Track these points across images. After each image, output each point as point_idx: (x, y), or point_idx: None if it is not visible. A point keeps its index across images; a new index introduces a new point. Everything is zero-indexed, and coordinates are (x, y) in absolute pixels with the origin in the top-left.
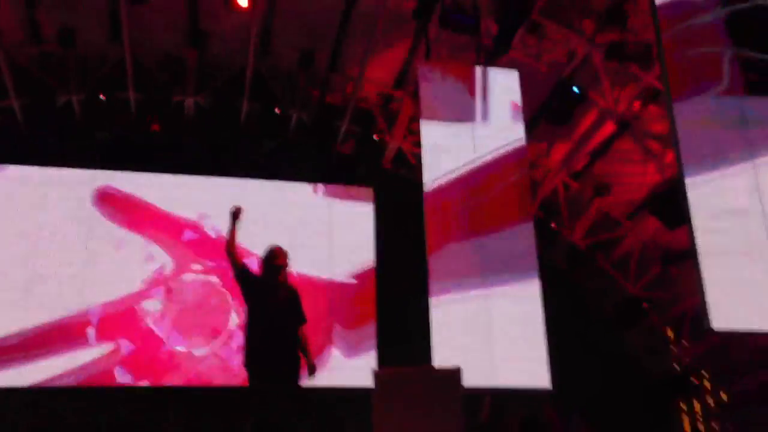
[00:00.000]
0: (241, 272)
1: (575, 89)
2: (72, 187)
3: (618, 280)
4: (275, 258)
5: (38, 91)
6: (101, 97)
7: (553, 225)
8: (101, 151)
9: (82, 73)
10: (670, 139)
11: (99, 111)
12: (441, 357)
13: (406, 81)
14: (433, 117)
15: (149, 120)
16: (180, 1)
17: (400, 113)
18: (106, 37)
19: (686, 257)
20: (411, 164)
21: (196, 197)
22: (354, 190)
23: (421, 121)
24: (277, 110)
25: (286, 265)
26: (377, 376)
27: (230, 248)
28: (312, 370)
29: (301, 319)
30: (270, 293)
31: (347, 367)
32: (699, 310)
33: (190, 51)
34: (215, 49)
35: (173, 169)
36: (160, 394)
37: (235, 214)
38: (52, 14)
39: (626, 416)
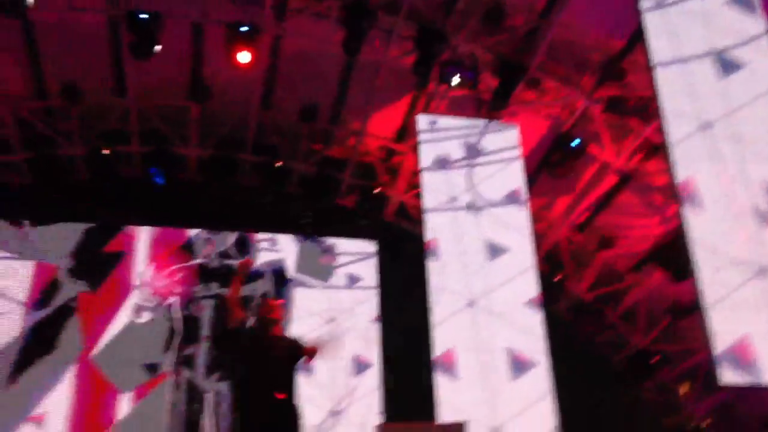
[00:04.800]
0: (236, 329)
1: (575, 142)
2: None
3: (626, 334)
4: (269, 311)
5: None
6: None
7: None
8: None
9: (86, 127)
10: (672, 192)
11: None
12: (445, 412)
13: (407, 135)
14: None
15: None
16: (183, 55)
17: (402, 166)
18: (110, 92)
19: (694, 310)
20: (412, 218)
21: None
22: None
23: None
24: (278, 163)
25: (280, 318)
26: (383, 429)
27: (231, 302)
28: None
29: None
30: (266, 349)
31: None
32: (710, 365)
33: (192, 104)
34: (217, 103)
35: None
36: None
37: (243, 267)
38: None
39: None
